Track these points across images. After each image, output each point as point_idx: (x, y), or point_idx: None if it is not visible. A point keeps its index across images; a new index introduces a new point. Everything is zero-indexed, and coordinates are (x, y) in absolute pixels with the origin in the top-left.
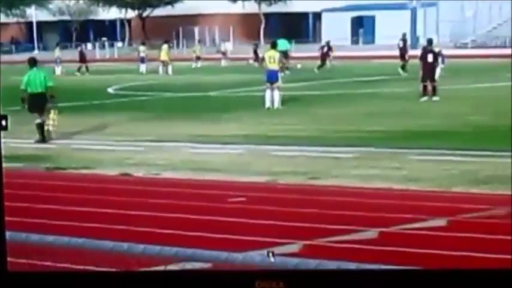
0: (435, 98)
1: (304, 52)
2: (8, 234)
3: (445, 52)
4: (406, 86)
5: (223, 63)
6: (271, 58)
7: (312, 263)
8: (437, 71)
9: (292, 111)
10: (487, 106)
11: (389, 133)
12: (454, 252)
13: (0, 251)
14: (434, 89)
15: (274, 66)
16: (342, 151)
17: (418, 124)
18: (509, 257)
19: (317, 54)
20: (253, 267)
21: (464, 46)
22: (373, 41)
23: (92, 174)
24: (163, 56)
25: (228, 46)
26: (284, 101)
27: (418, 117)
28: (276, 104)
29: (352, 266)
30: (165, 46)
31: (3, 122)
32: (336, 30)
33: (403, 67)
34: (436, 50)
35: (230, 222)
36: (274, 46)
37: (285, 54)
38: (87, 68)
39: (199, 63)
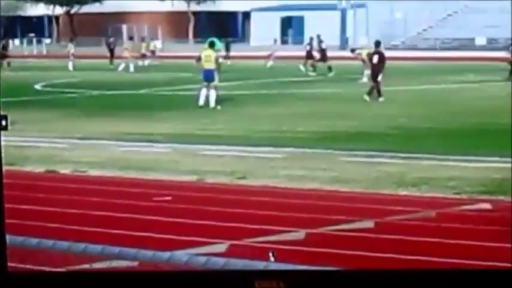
0: (381, 99)
1: (232, 51)
2: None
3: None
4: (335, 87)
5: (146, 62)
6: (208, 57)
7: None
8: (366, 73)
9: (222, 111)
10: (417, 108)
11: (318, 134)
12: (381, 254)
13: (0, 251)
14: (378, 91)
15: (210, 65)
16: (271, 151)
17: (347, 125)
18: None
19: (251, 53)
20: (253, 267)
21: (394, 48)
22: (302, 42)
23: (17, 170)
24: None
25: (157, 44)
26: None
27: (348, 118)
28: (212, 104)
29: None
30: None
31: (3, 122)
32: (265, 30)
33: (313, 66)
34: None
35: (156, 221)
36: (211, 45)
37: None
38: (8, 63)
39: (146, 62)
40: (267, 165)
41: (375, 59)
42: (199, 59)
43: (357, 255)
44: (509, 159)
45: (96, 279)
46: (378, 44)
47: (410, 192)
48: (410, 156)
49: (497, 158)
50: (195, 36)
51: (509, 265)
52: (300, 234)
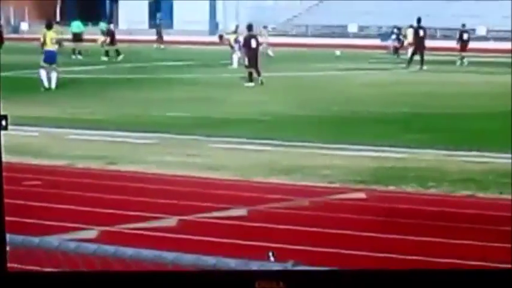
0: (248, 84)
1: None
2: None
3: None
4: (206, 72)
5: None
6: (52, 39)
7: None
8: (235, 58)
9: (92, 94)
10: (289, 95)
11: (189, 120)
12: (254, 242)
13: (0, 251)
14: (250, 74)
15: (53, 47)
16: (141, 137)
17: (218, 111)
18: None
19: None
20: (253, 267)
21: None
22: (171, 26)
23: None
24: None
25: (23, 26)
26: (77, 83)
27: (219, 104)
28: (53, 85)
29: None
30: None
31: (3, 122)
32: (133, 13)
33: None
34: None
35: (25, 206)
36: (49, 27)
37: (78, 37)
38: None
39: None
40: (138, 151)
41: (253, 43)
42: (44, 41)
43: (230, 243)
44: (381, 148)
45: (97, 279)
46: (250, 27)
47: (283, 180)
48: (283, 143)
49: (371, 147)
50: (62, 18)
51: (509, 266)
52: (171, 221)
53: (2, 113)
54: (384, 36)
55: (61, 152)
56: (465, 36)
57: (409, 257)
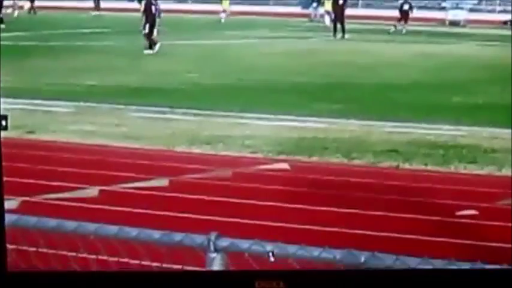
0: (147, 51)
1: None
2: None
3: (163, 6)
4: (119, 40)
5: None
6: None
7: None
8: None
9: (6, 62)
10: (206, 64)
11: (106, 88)
12: (177, 213)
13: (0, 251)
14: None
15: None
16: (60, 105)
17: (136, 80)
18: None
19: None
20: (253, 267)
21: (184, 0)
22: None
23: None
24: None
25: None
26: None
27: (136, 73)
28: None
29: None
30: None
31: (3, 122)
32: None
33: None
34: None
35: None
36: None
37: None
38: None
39: None
40: (57, 120)
41: (153, 9)
42: None
43: (152, 214)
44: (303, 118)
45: (97, 279)
46: None
47: (205, 150)
48: (204, 113)
49: (292, 117)
50: None
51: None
52: (93, 191)
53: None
54: (305, 3)
55: None
56: (405, 6)
57: (332, 229)
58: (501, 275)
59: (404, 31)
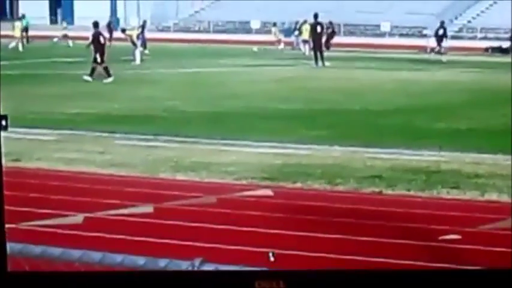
0: (106, 80)
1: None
2: None
3: (147, 35)
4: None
5: None
6: None
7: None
8: (137, 54)
9: None
10: (190, 91)
11: (90, 115)
12: (160, 239)
13: (0, 251)
14: (106, 69)
15: None
16: (44, 133)
17: (119, 108)
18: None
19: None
20: (253, 267)
21: (166, 29)
22: (72, 22)
23: None
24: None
25: None
26: None
27: (119, 100)
28: None
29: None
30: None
31: (3, 122)
32: (33, 7)
33: None
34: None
35: None
36: None
37: None
38: None
39: None
40: (42, 148)
41: (102, 39)
42: None
43: (137, 241)
44: (286, 145)
45: (97, 280)
46: (96, 25)
47: (189, 177)
48: (187, 140)
49: (275, 144)
50: None
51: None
52: (77, 218)
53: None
54: (287, 31)
55: None
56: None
57: (316, 254)
58: (501, 275)
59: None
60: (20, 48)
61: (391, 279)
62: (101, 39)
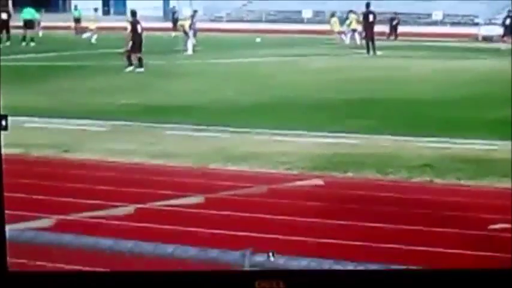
0: (139, 70)
1: (52, 22)
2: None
3: (199, 25)
4: (156, 59)
5: None
6: None
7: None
8: (189, 44)
9: (40, 82)
10: (243, 82)
11: (141, 106)
12: (212, 230)
13: (0, 251)
14: (139, 60)
15: None
16: (95, 124)
17: (172, 98)
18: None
19: (65, 24)
20: (253, 267)
21: (218, 20)
22: (124, 12)
23: None
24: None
25: None
26: (26, 72)
27: (172, 91)
28: None
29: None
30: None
31: (3, 122)
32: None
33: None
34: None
35: None
36: None
37: (30, 23)
38: None
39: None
40: (93, 139)
41: (139, 28)
42: None
43: (188, 231)
44: (337, 134)
45: (97, 279)
46: (133, 13)
47: (240, 167)
48: (239, 130)
49: (326, 133)
50: (14, 5)
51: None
52: (129, 209)
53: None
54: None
55: (15, 140)
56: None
57: (366, 244)
58: (501, 275)
59: None
60: (93, 40)
61: (391, 279)
62: (138, 28)
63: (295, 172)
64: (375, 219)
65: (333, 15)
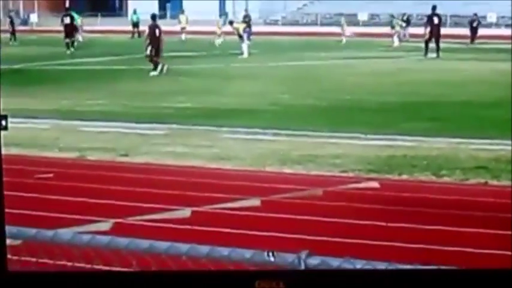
0: (153, 73)
1: (109, 25)
2: None
3: (254, 29)
4: (215, 63)
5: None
6: None
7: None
8: (244, 47)
9: (105, 87)
10: (298, 84)
11: (199, 110)
12: (268, 232)
13: (0, 251)
14: (155, 63)
15: None
16: (152, 128)
17: (228, 101)
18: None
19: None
20: (253, 267)
21: (274, 23)
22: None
23: None
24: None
25: (33, 18)
26: (85, 76)
27: (228, 94)
28: None
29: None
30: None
31: (3, 122)
32: (143, 3)
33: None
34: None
35: (38, 199)
36: None
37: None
38: None
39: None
40: (149, 142)
41: (157, 32)
42: None
43: (244, 234)
44: (392, 137)
45: (97, 280)
46: (153, 17)
47: (296, 170)
48: (294, 133)
49: (381, 136)
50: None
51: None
52: (185, 212)
53: (3, 112)
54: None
55: (72, 144)
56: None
57: (424, 246)
58: (501, 275)
59: None
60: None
61: (391, 279)
62: (157, 32)
63: (350, 175)
64: (430, 221)
65: (392, 17)
